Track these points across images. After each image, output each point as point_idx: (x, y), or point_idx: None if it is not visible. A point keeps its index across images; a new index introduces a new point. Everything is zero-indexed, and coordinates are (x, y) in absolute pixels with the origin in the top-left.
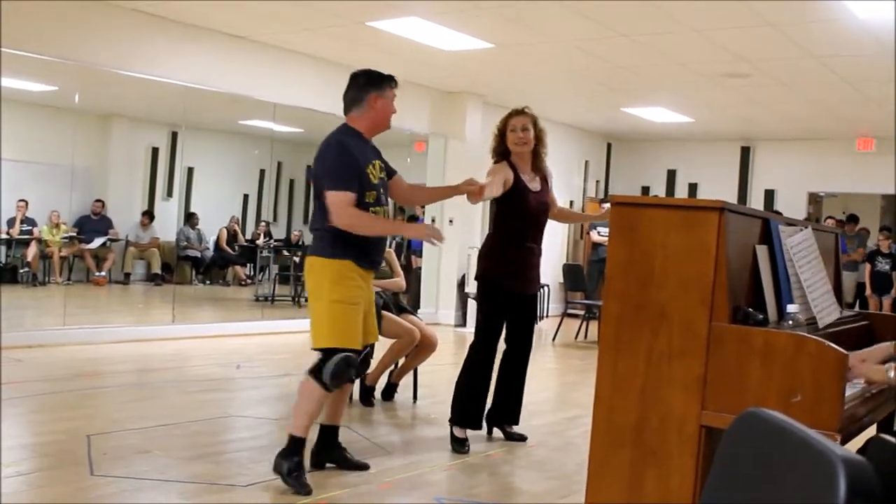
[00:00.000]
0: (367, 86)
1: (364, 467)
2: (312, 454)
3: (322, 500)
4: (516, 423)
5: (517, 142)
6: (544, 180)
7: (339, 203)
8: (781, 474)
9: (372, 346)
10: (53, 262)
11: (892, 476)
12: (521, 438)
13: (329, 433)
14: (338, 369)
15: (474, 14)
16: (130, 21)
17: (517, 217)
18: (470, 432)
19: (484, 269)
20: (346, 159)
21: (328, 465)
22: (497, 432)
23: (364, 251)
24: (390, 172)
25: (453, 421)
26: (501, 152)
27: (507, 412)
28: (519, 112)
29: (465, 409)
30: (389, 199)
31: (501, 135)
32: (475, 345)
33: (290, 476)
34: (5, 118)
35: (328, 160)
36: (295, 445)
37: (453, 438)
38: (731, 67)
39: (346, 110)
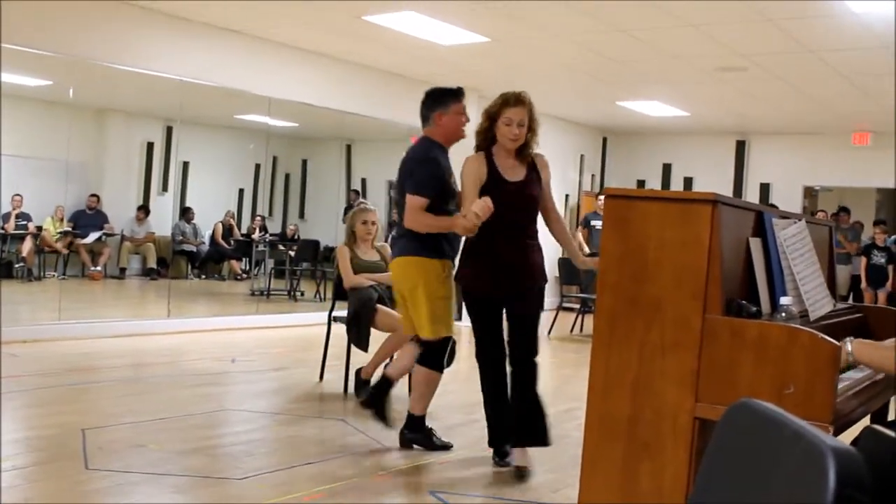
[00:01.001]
0: (433, 104)
1: (447, 447)
2: (402, 435)
3: (318, 493)
4: (530, 443)
5: (511, 137)
6: (532, 168)
7: (411, 206)
8: (772, 465)
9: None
10: (58, 255)
11: (885, 467)
12: (519, 475)
13: (419, 420)
14: (452, 354)
15: (470, 8)
16: (125, 15)
17: (495, 213)
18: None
19: (461, 275)
20: (432, 169)
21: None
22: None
23: (446, 251)
24: None
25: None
26: (485, 139)
27: (517, 429)
28: (517, 100)
29: (489, 429)
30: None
31: (492, 121)
32: (478, 362)
33: (428, 440)
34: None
35: (415, 168)
36: (419, 422)
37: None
38: (726, 61)
39: (422, 126)
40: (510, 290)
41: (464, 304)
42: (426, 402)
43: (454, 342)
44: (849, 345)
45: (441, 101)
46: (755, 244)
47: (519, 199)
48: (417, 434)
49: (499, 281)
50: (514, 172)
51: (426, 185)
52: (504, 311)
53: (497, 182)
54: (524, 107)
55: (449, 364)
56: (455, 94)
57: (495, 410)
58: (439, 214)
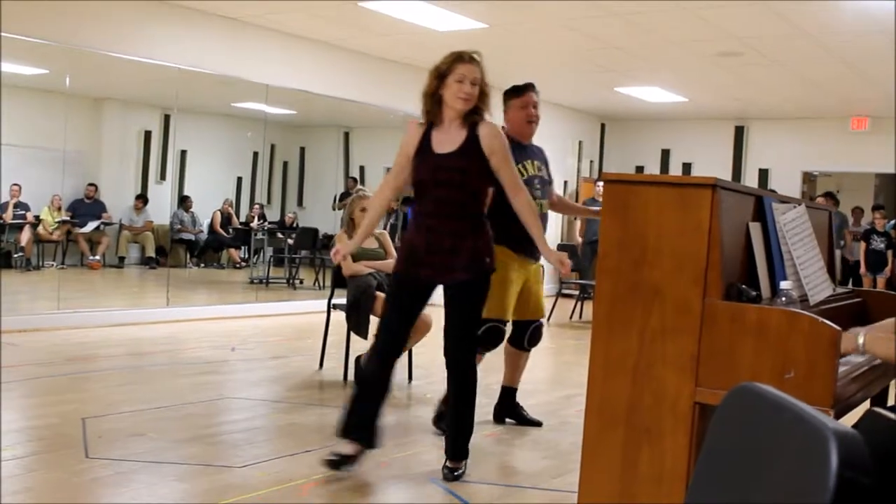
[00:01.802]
0: (503, 102)
1: (538, 424)
2: (494, 410)
3: (317, 480)
4: (453, 458)
5: (462, 95)
6: (472, 139)
7: None
8: (774, 448)
9: (539, 321)
10: (57, 245)
11: (886, 450)
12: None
13: (507, 393)
14: (485, 336)
15: None
16: (121, 3)
17: (414, 185)
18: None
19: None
20: None
21: (508, 420)
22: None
23: (514, 238)
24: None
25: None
26: (434, 102)
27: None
28: (471, 58)
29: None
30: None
31: (440, 80)
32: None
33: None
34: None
35: None
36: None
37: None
38: (724, 46)
39: None
40: (430, 276)
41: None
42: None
43: (536, 328)
44: (861, 337)
45: (506, 98)
46: (755, 229)
47: (444, 172)
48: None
49: (413, 261)
50: (447, 143)
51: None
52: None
53: (423, 153)
54: (478, 66)
55: (527, 346)
56: (515, 91)
57: (354, 401)
58: (504, 202)
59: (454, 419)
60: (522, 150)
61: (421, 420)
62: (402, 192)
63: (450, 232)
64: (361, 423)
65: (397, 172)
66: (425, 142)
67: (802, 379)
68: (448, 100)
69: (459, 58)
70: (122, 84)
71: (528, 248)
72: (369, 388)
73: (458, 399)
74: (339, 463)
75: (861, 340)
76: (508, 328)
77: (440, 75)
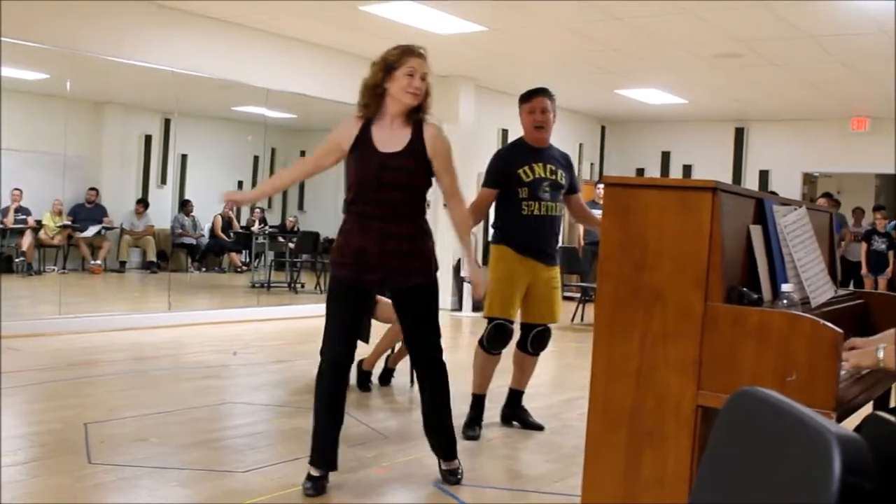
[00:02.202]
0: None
1: (540, 428)
2: (502, 413)
3: None
4: (449, 458)
5: (412, 90)
6: (417, 139)
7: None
8: (776, 452)
9: (542, 325)
10: (58, 249)
11: (889, 454)
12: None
13: (514, 396)
14: (490, 334)
15: None
16: (122, 8)
17: (355, 185)
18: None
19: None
20: (492, 163)
21: (513, 423)
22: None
23: (518, 239)
24: (571, 188)
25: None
26: (375, 95)
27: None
28: (421, 53)
29: (313, 444)
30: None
31: (388, 71)
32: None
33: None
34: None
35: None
36: (474, 401)
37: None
38: (724, 48)
39: None
40: (377, 281)
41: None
42: (478, 380)
43: (541, 332)
44: (881, 352)
45: (519, 103)
46: (756, 231)
47: (390, 172)
48: (472, 412)
49: (362, 266)
50: (391, 142)
51: (488, 181)
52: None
53: (363, 150)
54: (426, 61)
55: (530, 350)
56: (524, 97)
57: (321, 423)
58: (510, 203)
59: (443, 419)
60: (535, 152)
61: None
62: (309, 177)
63: (406, 235)
64: (328, 446)
65: (322, 156)
66: (364, 138)
67: (804, 382)
68: (396, 93)
69: (409, 51)
70: (123, 88)
71: (535, 252)
72: (330, 407)
73: (441, 399)
74: (317, 489)
75: (881, 355)
76: (517, 329)
77: (388, 67)
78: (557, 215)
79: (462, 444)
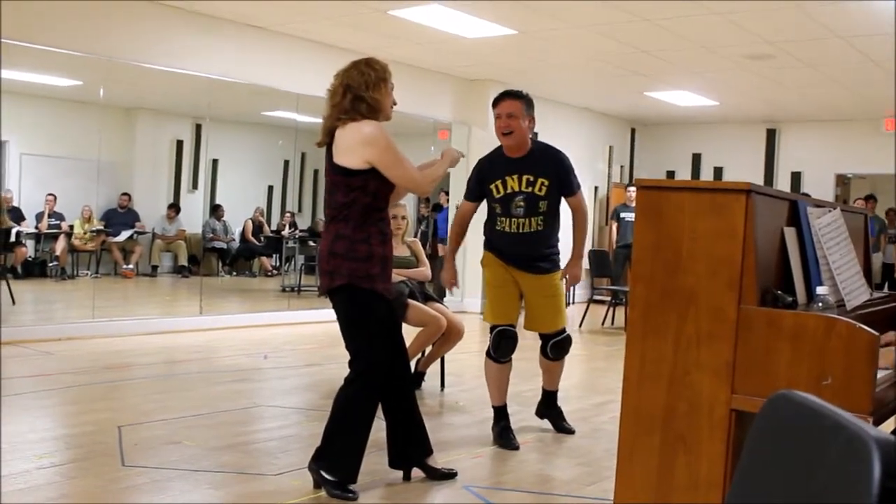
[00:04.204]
0: None
1: (571, 432)
2: (537, 408)
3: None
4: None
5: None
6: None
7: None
8: (814, 456)
9: (556, 334)
10: (91, 254)
11: None
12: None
13: (546, 395)
14: (495, 343)
15: (496, 0)
16: (153, 14)
17: (382, 194)
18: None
19: None
20: (470, 175)
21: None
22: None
23: (497, 249)
24: (565, 190)
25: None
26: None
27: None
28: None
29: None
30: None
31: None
32: None
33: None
34: (32, 113)
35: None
36: (497, 414)
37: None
38: (755, 49)
39: None
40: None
41: None
42: (491, 391)
43: (501, 333)
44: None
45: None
46: (790, 233)
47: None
48: (500, 423)
49: (385, 276)
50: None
51: (467, 192)
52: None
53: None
54: None
55: (550, 356)
56: (494, 102)
57: (363, 436)
58: (490, 214)
59: (416, 417)
60: (510, 163)
61: (454, 427)
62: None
63: (325, 236)
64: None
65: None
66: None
67: (840, 385)
68: (388, 111)
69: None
70: (154, 94)
71: (517, 263)
72: (372, 419)
73: (411, 398)
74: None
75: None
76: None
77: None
78: (534, 231)
79: (494, 449)
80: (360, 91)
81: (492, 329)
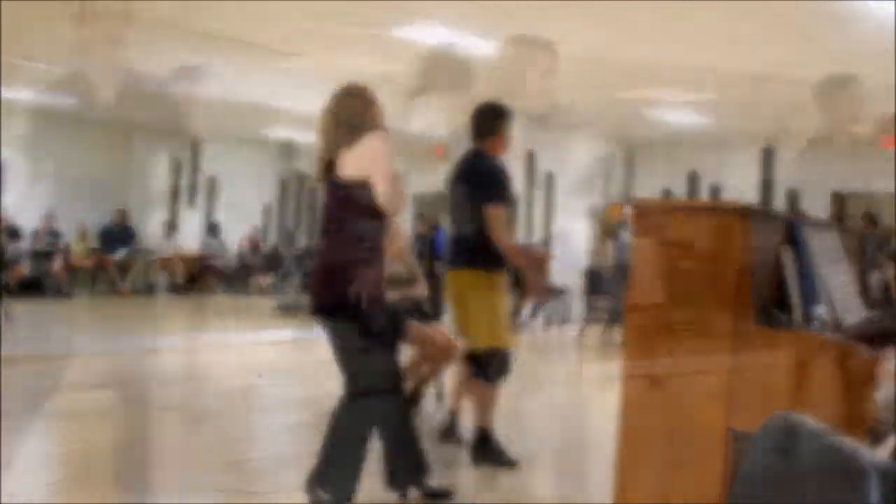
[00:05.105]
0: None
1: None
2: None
3: None
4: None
5: None
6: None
7: (497, 217)
8: (809, 479)
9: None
10: (88, 272)
11: None
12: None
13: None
14: (505, 366)
15: (493, 20)
16: (151, 34)
17: (381, 216)
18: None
19: None
20: (504, 177)
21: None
22: None
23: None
24: None
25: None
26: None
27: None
28: None
29: None
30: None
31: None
32: None
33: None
34: (30, 132)
35: (489, 179)
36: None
37: None
38: (752, 69)
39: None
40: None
41: None
42: (489, 415)
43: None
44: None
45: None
46: (786, 253)
47: None
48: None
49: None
50: None
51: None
52: None
53: None
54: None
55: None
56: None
57: (363, 456)
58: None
59: (412, 437)
60: None
61: (450, 447)
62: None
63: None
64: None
65: None
66: None
67: (838, 406)
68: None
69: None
70: (153, 113)
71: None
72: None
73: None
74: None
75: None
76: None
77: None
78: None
79: (486, 467)
80: (354, 121)
81: (499, 352)
